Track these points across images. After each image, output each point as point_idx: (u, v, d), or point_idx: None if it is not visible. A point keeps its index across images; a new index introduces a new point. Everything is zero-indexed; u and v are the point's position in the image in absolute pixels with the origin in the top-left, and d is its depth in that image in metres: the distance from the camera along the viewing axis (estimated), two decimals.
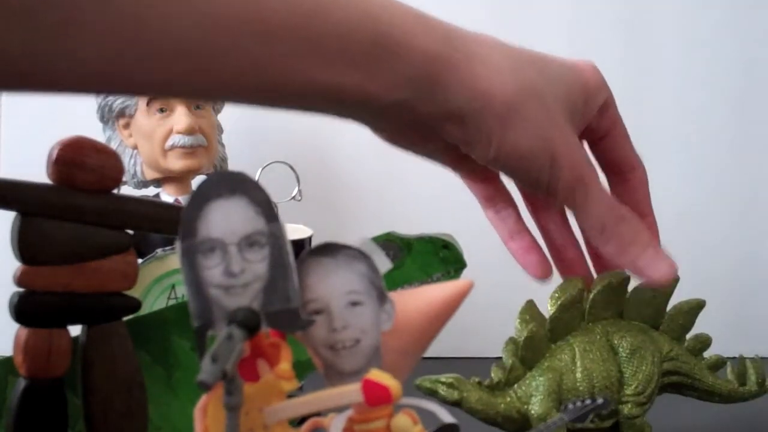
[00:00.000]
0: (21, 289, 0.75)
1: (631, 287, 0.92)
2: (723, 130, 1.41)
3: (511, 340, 0.90)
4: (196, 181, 1.14)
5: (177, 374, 0.83)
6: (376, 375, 0.58)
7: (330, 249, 0.63)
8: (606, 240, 0.75)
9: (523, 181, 0.75)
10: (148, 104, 1.11)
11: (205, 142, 1.13)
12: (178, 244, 0.63)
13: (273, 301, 0.62)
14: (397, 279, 0.80)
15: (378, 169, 1.36)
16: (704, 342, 0.96)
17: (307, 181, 1.20)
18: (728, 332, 1.14)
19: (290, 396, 0.62)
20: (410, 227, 1.43)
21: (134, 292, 0.80)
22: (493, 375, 0.88)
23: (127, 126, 1.15)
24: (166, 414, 0.82)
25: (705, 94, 1.41)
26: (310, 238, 1.11)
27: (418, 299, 0.66)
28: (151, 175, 1.15)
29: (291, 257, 0.62)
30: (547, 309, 0.90)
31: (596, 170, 0.76)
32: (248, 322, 0.58)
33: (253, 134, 1.36)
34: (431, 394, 0.87)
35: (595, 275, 0.87)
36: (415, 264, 0.82)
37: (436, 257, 0.83)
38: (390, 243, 0.81)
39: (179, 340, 0.84)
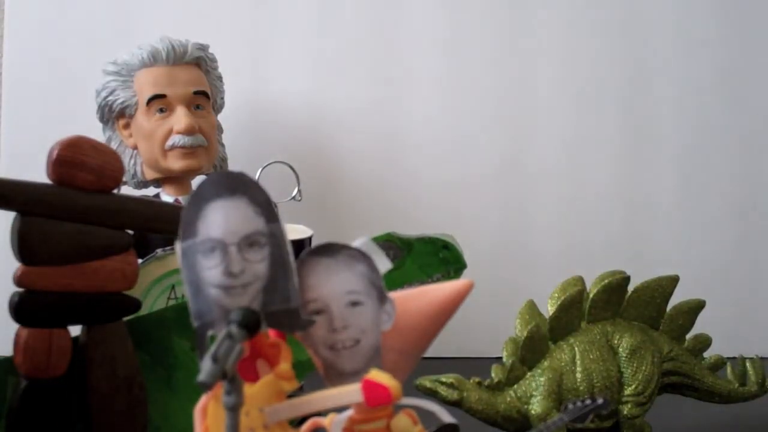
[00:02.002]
0: (21, 289, 0.75)
1: (631, 287, 0.93)
2: (723, 132, 1.41)
3: (511, 340, 0.90)
4: (196, 181, 1.14)
5: (177, 374, 0.83)
6: (376, 375, 0.58)
7: (330, 249, 0.63)
8: None
9: None
10: (148, 104, 1.11)
11: (205, 142, 1.13)
12: (178, 244, 0.63)
13: (273, 301, 0.62)
14: (397, 279, 0.79)
15: (378, 169, 1.36)
16: (704, 342, 0.96)
17: (307, 181, 1.20)
18: (728, 332, 1.14)
19: (290, 396, 0.62)
20: (410, 227, 1.43)
21: (134, 292, 0.80)
22: (493, 375, 0.88)
23: (127, 126, 1.15)
24: (166, 414, 0.82)
25: (704, 96, 1.41)
26: (310, 238, 1.10)
27: (418, 299, 0.66)
28: (151, 175, 1.15)
29: (291, 257, 0.62)
30: (547, 309, 0.90)
31: None
32: (248, 322, 0.58)
33: (253, 134, 1.35)
34: (431, 394, 0.87)
35: None
36: (415, 264, 0.82)
37: (436, 258, 0.82)
38: (390, 243, 0.81)
39: (179, 340, 0.84)
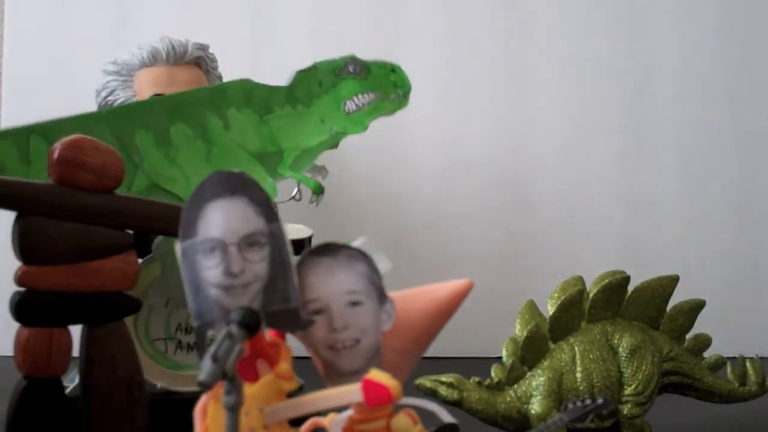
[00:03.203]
0: (21, 289, 0.75)
1: (631, 287, 0.93)
2: (724, 132, 1.41)
3: (511, 340, 0.90)
4: None
5: (215, 150, 0.92)
6: (376, 375, 0.58)
7: (330, 249, 0.63)
8: None
9: None
10: None
11: None
12: (178, 244, 0.63)
13: (273, 301, 0.62)
14: (361, 87, 1.00)
15: (378, 168, 1.36)
16: (704, 342, 0.96)
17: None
18: (728, 332, 1.14)
19: (290, 396, 0.62)
20: (410, 226, 1.43)
21: (134, 292, 0.80)
22: (493, 375, 0.88)
23: None
24: None
25: (705, 96, 1.41)
26: (310, 238, 1.11)
27: (418, 299, 0.66)
28: None
29: (291, 257, 0.62)
30: (547, 309, 0.90)
31: None
32: (248, 322, 0.58)
33: None
34: (431, 394, 0.87)
35: None
36: (375, 82, 1.01)
37: (388, 80, 1.01)
38: (354, 59, 1.01)
39: (215, 119, 0.93)
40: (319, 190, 0.98)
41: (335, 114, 1.00)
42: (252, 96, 0.97)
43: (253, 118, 0.96)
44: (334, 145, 1.04)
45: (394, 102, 1.02)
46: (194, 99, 0.94)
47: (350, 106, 1.00)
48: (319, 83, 0.99)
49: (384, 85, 1.01)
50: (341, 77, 1.00)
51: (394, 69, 1.02)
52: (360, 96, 1.00)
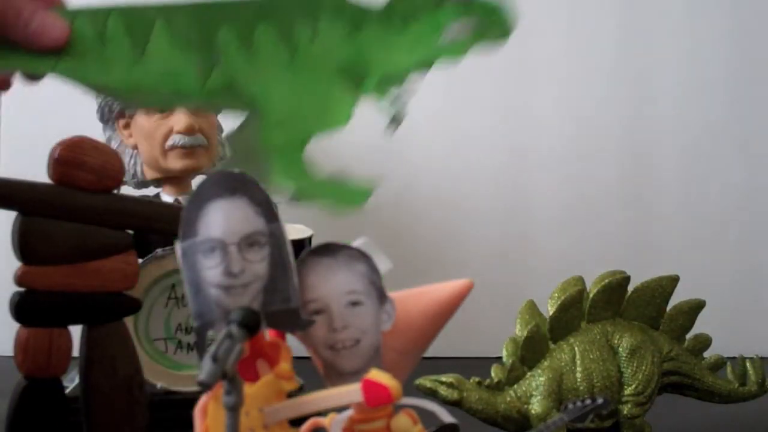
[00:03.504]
0: (21, 289, 0.75)
1: (631, 287, 0.93)
2: (724, 133, 1.41)
3: (511, 340, 0.90)
4: (196, 181, 1.14)
5: (297, 58, 0.85)
6: (376, 375, 0.58)
7: (330, 249, 0.63)
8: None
9: None
10: None
11: (205, 142, 1.13)
12: (178, 244, 0.63)
13: (273, 301, 0.62)
14: (462, 13, 0.87)
15: (379, 168, 1.36)
16: (704, 342, 0.96)
17: None
18: (728, 332, 1.14)
19: (290, 396, 0.62)
20: (411, 226, 1.43)
21: (134, 292, 0.80)
22: (493, 375, 0.88)
23: (127, 126, 1.15)
24: (283, 95, 0.81)
25: (707, 96, 1.41)
26: (310, 238, 1.11)
27: (418, 299, 0.66)
28: (151, 175, 1.15)
29: (291, 257, 0.62)
30: (547, 309, 0.90)
31: None
32: (248, 322, 0.58)
33: None
34: (431, 394, 0.87)
35: None
36: (477, 12, 0.87)
37: (490, 17, 0.88)
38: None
39: (303, 27, 0.86)
40: (397, 118, 0.93)
41: (430, 39, 0.96)
42: (344, 9, 0.93)
43: (342, 32, 0.92)
44: (425, 70, 0.99)
45: (493, 35, 0.89)
46: (286, 1, 0.89)
47: (448, 33, 0.90)
48: (417, 7, 0.90)
49: (483, 19, 0.90)
50: (441, 3, 0.90)
51: (496, 8, 0.90)
52: (459, 23, 0.90)
